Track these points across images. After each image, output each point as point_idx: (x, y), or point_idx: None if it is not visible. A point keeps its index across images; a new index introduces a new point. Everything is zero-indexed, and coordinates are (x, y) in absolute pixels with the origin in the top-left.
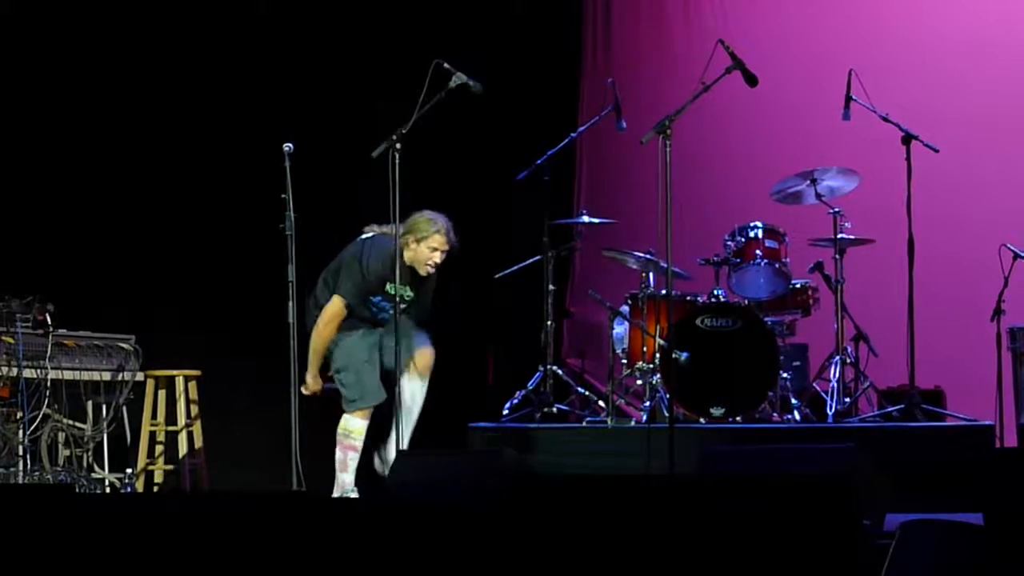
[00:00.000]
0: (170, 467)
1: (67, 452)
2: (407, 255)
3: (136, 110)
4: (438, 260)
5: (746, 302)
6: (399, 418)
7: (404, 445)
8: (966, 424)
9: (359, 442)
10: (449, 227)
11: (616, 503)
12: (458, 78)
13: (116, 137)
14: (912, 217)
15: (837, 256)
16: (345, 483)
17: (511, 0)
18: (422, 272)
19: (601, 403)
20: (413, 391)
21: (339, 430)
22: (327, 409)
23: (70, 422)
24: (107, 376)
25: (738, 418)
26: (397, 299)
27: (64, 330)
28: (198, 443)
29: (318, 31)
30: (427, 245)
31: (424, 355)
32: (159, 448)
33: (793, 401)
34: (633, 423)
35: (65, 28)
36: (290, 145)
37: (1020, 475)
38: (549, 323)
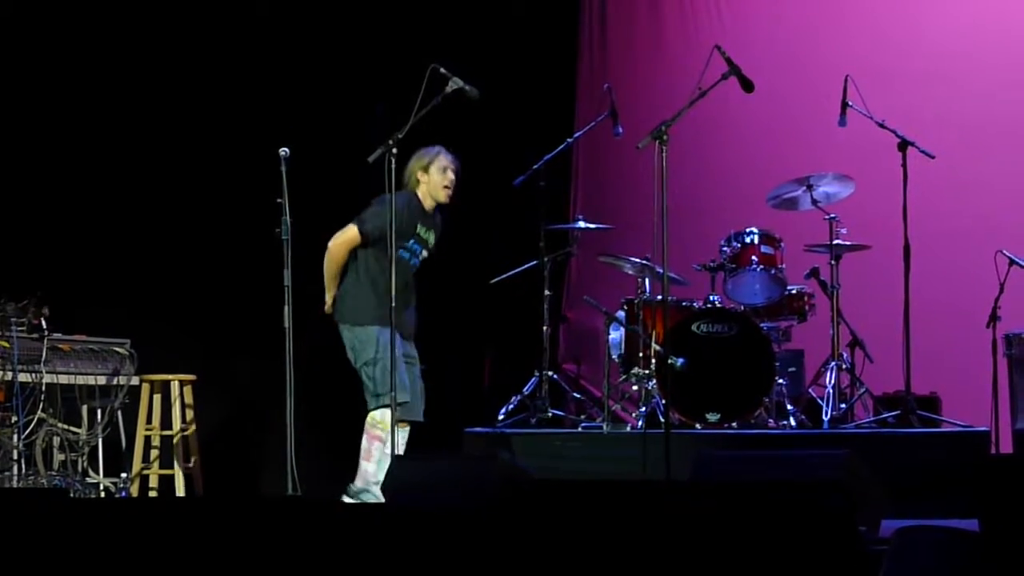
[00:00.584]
0: (165, 472)
1: (62, 456)
2: (422, 192)
3: (133, 113)
4: (452, 178)
5: (742, 308)
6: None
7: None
8: (962, 430)
9: (385, 434)
10: (445, 150)
11: (612, 508)
12: (455, 83)
13: (112, 139)
14: (908, 223)
15: (833, 262)
16: (368, 473)
17: (508, 5)
18: (442, 198)
19: (597, 408)
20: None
21: (367, 420)
22: (323, 414)
23: (65, 426)
24: (102, 380)
25: (734, 424)
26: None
27: (59, 334)
28: (193, 448)
29: (315, 35)
30: (436, 168)
31: (412, 412)
32: (154, 453)
33: (789, 407)
34: (629, 428)
35: (63, 31)
36: (286, 150)
37: (1016, 481)
38: (545, 328)
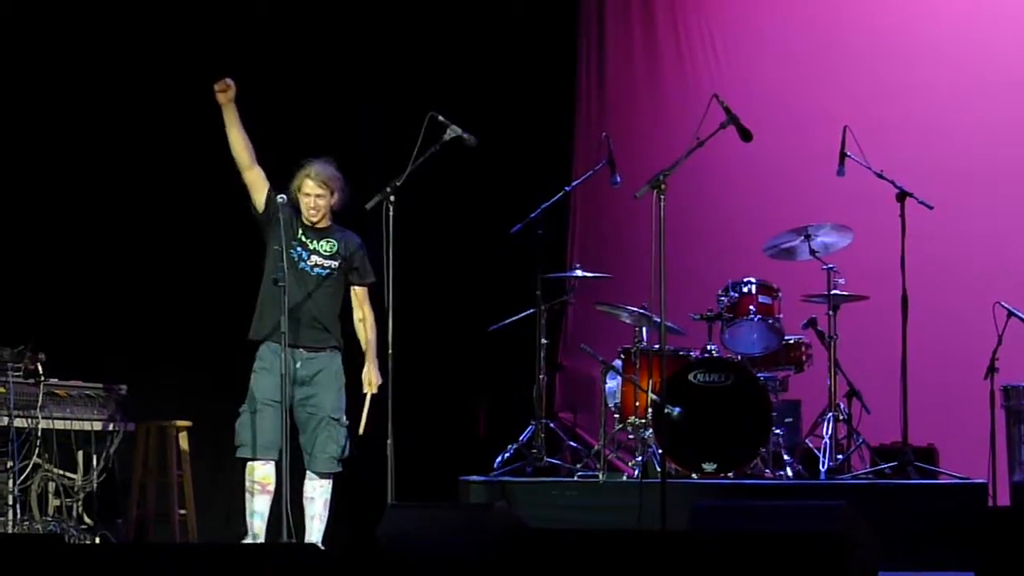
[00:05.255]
0: (160, 517)
1: (57, 502)
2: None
3: (132, 159)
4: (315, 200)
5: (739, 357)
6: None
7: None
8: (959, 482)
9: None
10: (321, 167)
11: (607, 558)
12: (453, 130)
13: (111, 185)
14: (906, 274)
15: (831, 312)
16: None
17: (507, 52)
18: (312, 217)
19: (593, 458)
20: (311, 490)
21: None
22: None
23: (60, 471)
24: (98, 426)
25: (730, 474)
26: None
27: (56, 379)
28: (189, 493)
29: (314, 83)
30: (301, 193)
31: (320, 458)
32: (150, 498)
33: (786, 457)
34: (625, 478)
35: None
36: (283, 196)
37: (1013, 534)
38: (541, 376)
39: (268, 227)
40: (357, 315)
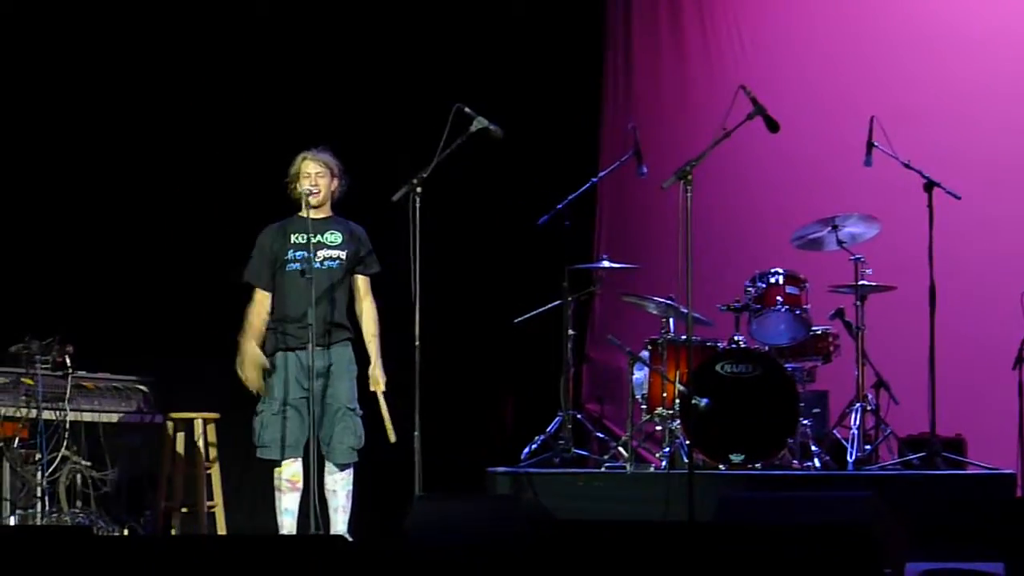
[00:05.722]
0: (188, 510)
1: (85, 494)
2: (302, 201)
3: (161, 150)
4: (315, 179)
5: (766, 348)
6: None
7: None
8: (987, 472)
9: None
10: (319, 150)
11: (634, 550)
12: (479, 122)
13: (138, 178)
14: (933, 264)
15: (858, 303)
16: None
17: (534, 44)
18: (311, 200)
19: (620, 449)
20: (333, 482)
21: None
22: None
23: (88, 464)
24: (126, 418)
25: (758, 464)
26: (312, 241)
27: (84, 372)
28: (216, 486)
29: (339, 77)
30: (301, 176)
31: (339, 449)
32: (177, 491)
33: (813, 448)
34: (652, 469)
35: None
36: (314, 188)
37: None
38: (568, 368)
39: (277, 263)
40: (358, 308)
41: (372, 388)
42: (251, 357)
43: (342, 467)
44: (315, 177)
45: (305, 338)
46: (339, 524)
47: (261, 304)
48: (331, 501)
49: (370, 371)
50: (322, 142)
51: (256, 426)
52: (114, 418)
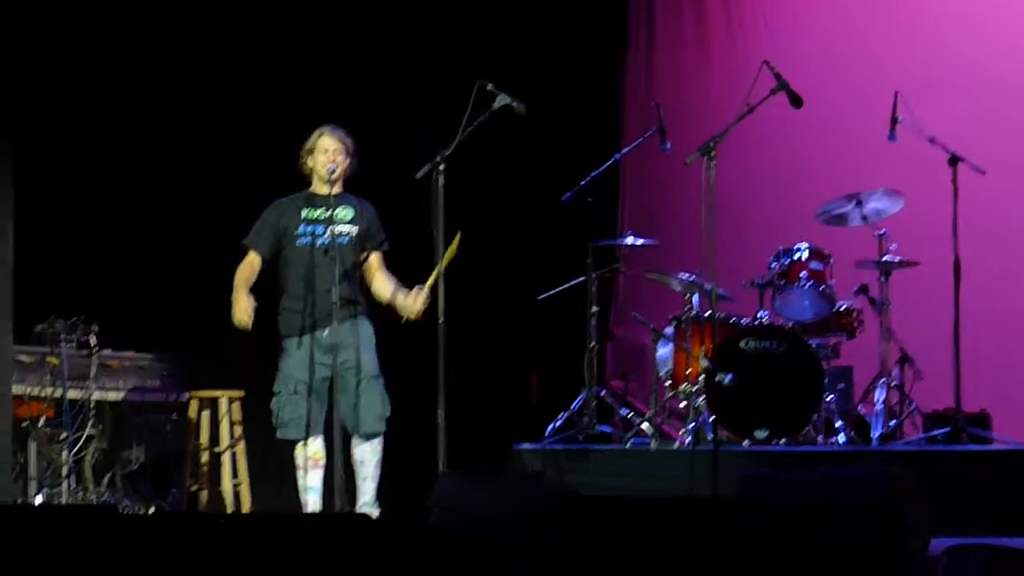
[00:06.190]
0: (213, 488)
1: (111, 473)
2: (314, 177)
3: (182, 130)
4: (334, 155)
5: (791, 324)
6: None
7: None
8: (1012, 447)
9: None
10: (333, 128)
11: (659, 526)
12: (502, 99)
13: (161, 156)
14: (958, 239)
15: (882, 278)
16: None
17: (556, 21)
18: (324, 174)
19: (644, 425)
20: (362, 453)
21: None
22: None
23: (114, 442)
24: (151, 396)
25: (782, 441)
26: (327, 217)
27: (109, 351)
28: (241, 464)
29: (361, 52)
30: (318, 150)
31: (367, 419)
32: (202, 469)
33: (837, 424)
34: (676, 445)
35: (112, 46)
36: (333, 165)
37: None
38: (592, 344)
39: (286, 238)
40: (374, 283)
41: (410, 310)
42: (241, 304)
43: (370, 436)
44: (333, 154)
45: (322, 314)
46: (366, 495)
47: (250, 265)
48: (359, 472)
49: (399, 301)
50: (344, 120)
51: (274, 407)
52: (139, 397)
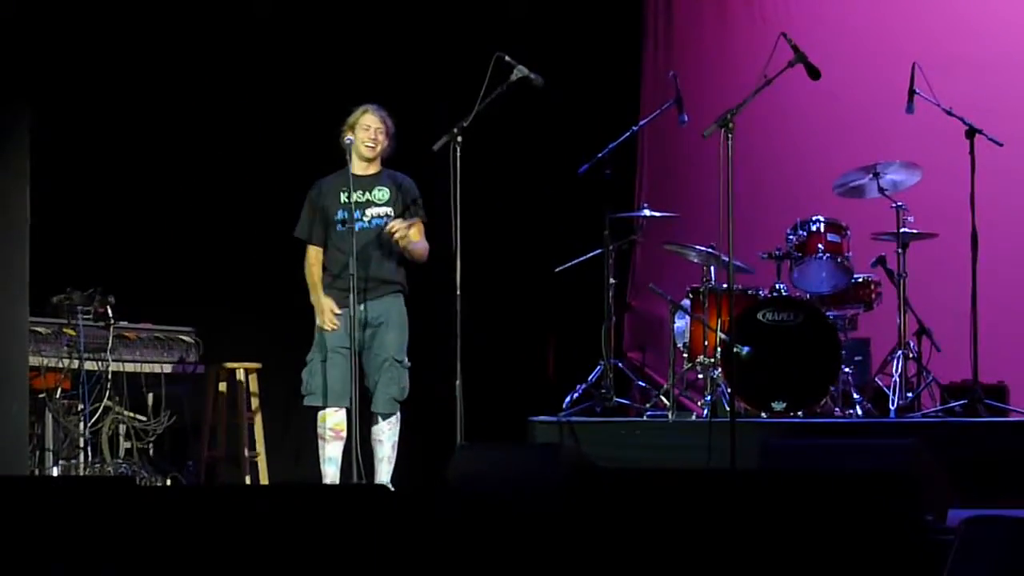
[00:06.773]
0: (230, 460)
1: (128, 444)
2: (353, 153)
3: (197, 102)
4: (372, 128)
5: (808, 296)
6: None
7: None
8: None
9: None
10: (378, 107)
11: (677, 497)
12: (519, 71)
13: (177, 128)
14: (976, 211)
15: (900, 250)
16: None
17: None
18: (364, 152)
19: (662, 397)
20: (378, 431)
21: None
22: None
23: (131, 414)
24: (168, 368)
25: (799, 412)
26: (357, 203)
27: (125, 322)
28: (259, 436)
29: (379, 25)
30: (360, 127)
31: (382, 399)
32: (220, 441)
33: (855, 396)
34: (694, 417)
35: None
36: (351, 138)
37: None
38: (610, 317)
39: (329, 222)
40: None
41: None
42: (321, 306)
43: (384, 416)
44: (375, 131)
45: (359, 290)
46: (383, 475)
47: (314, 260)
48: (377, 451)
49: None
50: (362, 93)
51: (304, 375)
52: (156, 368)
